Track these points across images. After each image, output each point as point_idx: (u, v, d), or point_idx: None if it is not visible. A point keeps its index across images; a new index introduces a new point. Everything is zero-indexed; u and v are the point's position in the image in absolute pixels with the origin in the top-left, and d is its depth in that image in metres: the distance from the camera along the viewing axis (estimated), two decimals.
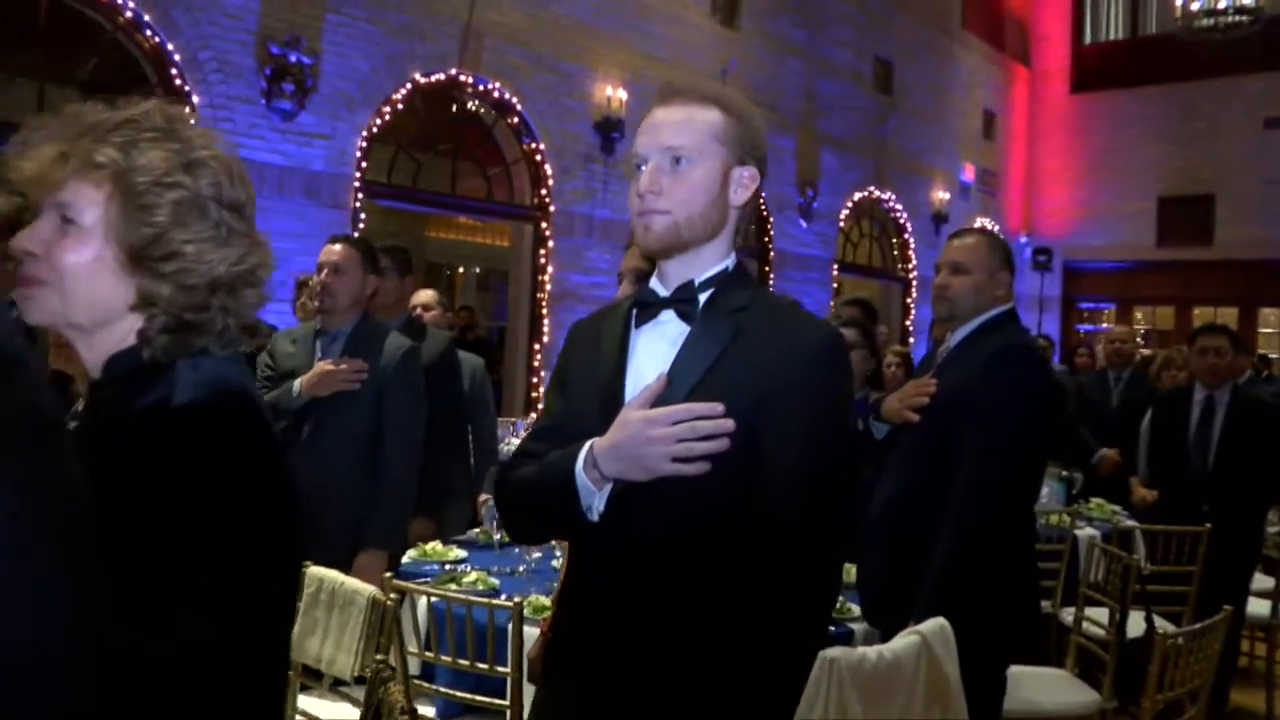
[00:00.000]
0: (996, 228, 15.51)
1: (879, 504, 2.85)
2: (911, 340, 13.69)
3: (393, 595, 2.60)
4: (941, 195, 14.10)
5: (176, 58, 7.02)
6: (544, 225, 9.17)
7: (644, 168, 1.64)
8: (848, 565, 2.81)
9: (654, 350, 1.67)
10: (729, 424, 1.53)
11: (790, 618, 1.53)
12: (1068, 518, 4.83)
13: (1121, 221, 15.40)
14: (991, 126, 15.56)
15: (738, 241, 1.72)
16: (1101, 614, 4.00)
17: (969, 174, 14.85)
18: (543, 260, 9.16)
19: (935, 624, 2.43)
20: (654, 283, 1.71)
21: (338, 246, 3.70)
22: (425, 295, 5.04)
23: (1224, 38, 12.03)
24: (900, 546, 2.73)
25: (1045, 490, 5.31)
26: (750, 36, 11.19)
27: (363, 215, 8.13)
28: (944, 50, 14.44)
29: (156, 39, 6.97)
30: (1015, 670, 3.54)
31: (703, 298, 1.65)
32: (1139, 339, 15.22)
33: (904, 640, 2.35)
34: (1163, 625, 4.43)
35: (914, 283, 13.74)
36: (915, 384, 2.86)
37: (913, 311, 13.76)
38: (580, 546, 1.70)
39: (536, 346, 9.13)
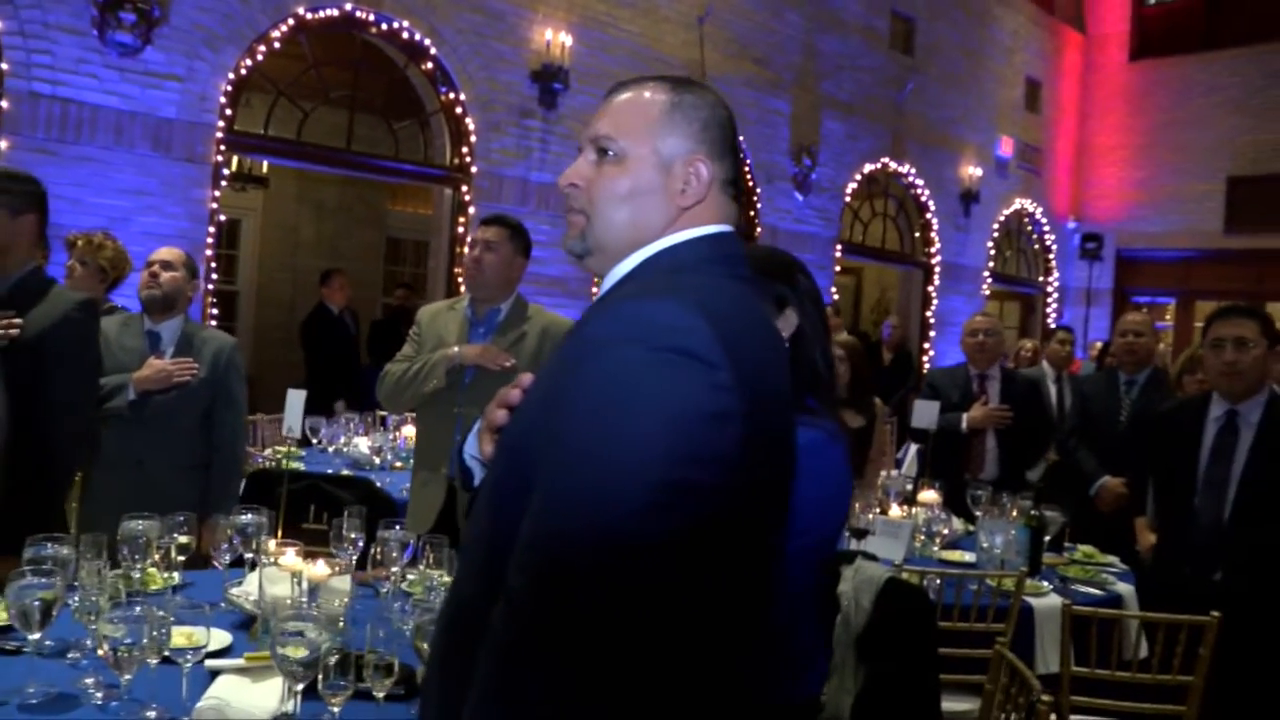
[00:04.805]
0: (1040, 210, 13.78)
1: (441, 619, 1.44)
2: (931, 334, 12.03)
3: None
4: (972, 171, 12.38)
5: None
6: (465, 189, 7.79)
7: None
8: None
9: None
10: None
11: None
12: (1011, 582, 3.29)
13: (1184, 205, 13.52)
14: (1036, 96, 13.76)
15: None
16: None
17: (1007, 148, 13.09)
18: (462, 230, 7.77)
19: None
20: None
21: None
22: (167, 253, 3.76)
23: None
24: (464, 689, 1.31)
25: (1000, 539, 3.79)
26: None
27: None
28: (978, 9, 12.69)
29: None
30: None
31: None
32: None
33: None
34: None
35: (937, 269, 12.06)
36: (502, 391, 1.44)
37: (934, 301, 12.07)
38: None
39: None
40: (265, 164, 9.56)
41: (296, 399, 3.00)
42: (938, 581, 3.36)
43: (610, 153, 1.35)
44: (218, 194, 6.73)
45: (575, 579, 1.07)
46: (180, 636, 2.11)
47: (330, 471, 4.89)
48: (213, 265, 6.76)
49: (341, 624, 2.31)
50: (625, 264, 1.36)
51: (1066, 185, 14.33)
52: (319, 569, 2.49)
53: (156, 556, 2.66)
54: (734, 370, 1.14)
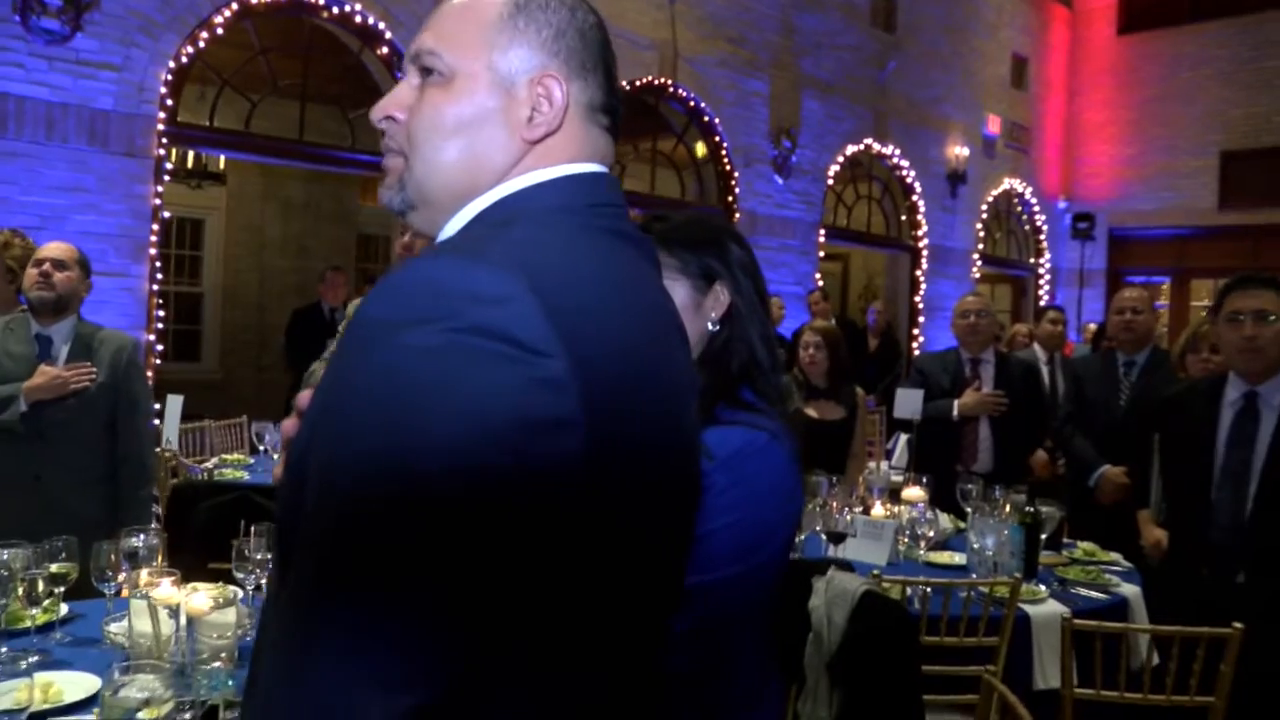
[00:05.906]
0: (1029, 189, 13.44)
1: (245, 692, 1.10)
2: (921, 320, 11.69)
3: None
4: (959, 151, 12.03)
5: None
6: None
7: None
8: None
9: None
10: None
11: None
12: (1004, 589, 2.94)
13: (1177, 181, 13.18)
14: (1023, 73, 13.42)
15: None
16: None
17: (994, 127, 12.74)
18: None
19: None
20: None
21: None
22: (57, 249, 3.44)
23: None
24: None
25: (992, 540, 3.44)
26: None
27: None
28: None
29: None
30: None
31: None
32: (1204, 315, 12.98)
33: None
34: None
35: (924, 252, 11.71)
36: (300, 394, 1.10)
37: (923, 286, 11.72)
38: None
39: None
40: (222, 160, 9.18)
41: (174, 405, 2.65)
42: (925, 590, 3.02)
43: (434, 72, 1.00)
44: (161, 189, 6.36)
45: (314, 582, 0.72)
46: (35, 689, 1.79)
47: (270, 482, 4.53)
48: (157, 265, 6.38)
49: (219, 663, 1.98)
50: (455, 220, 0.99)
51: (1056, 164, 13.99)
52: (198, 601, 2.14)
53: (20, 590, 2.31)
54: (571, 358, 0.79)
